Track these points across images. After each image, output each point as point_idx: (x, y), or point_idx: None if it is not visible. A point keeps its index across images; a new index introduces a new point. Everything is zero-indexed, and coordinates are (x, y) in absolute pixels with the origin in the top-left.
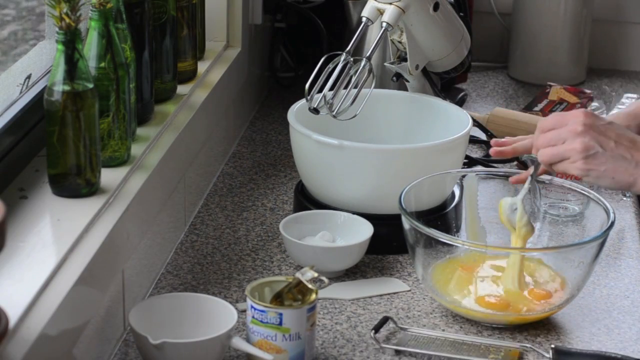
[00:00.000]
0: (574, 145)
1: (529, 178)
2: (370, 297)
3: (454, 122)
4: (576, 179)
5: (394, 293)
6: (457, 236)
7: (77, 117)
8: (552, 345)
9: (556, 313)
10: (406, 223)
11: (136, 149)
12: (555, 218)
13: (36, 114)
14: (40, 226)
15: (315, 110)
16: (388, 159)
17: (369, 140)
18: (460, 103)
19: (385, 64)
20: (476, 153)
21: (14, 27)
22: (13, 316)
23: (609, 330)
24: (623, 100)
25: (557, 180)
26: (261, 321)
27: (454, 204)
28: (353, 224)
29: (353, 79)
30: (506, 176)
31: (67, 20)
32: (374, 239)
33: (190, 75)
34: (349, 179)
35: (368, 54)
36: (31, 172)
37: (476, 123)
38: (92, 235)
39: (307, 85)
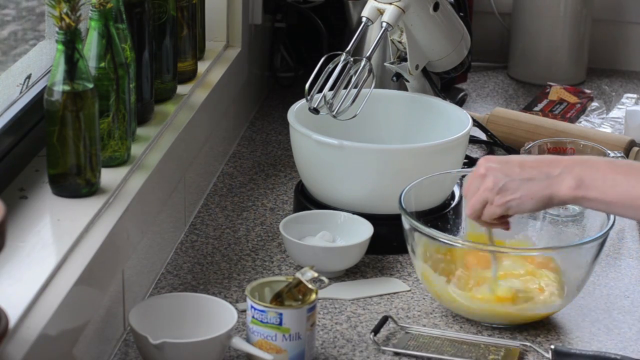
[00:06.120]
0: (485, 186)
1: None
2: (370, 297)
3: (454, 122)
4: (506, 229)
5: (394, 293)
6: (457, 236)
7: (77, 117)
8: (552, 346)
9: (556, 313)
10: (406, 223)
11: (136, 149)
12: (555, 218)
13: (36, 114)
14: (40, 226)
15: (315, 110)
16: (388, 159)
17: (369, 140)
18: (460, 103)
19: (385, 64)
20: (476, 153)
21: (14, 27)
22: (13, 316)
23: (609, 330)
24: (623, 100)
25: None
26: (261, 321)
27: (454, 204)
28: (353, 224)
29: (353, 79)
30: None
31: (67, 20)
32: (374, 239)
33: (190, 75)
34: (349, 179)
35: (368, 54)
36: (31, 172)
37: (476, 123)
38: (92, 235)
39: (307, 85)
